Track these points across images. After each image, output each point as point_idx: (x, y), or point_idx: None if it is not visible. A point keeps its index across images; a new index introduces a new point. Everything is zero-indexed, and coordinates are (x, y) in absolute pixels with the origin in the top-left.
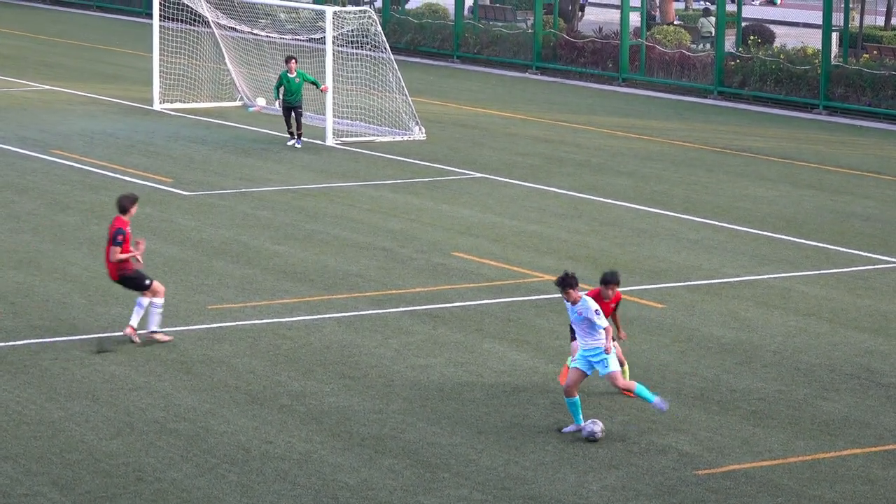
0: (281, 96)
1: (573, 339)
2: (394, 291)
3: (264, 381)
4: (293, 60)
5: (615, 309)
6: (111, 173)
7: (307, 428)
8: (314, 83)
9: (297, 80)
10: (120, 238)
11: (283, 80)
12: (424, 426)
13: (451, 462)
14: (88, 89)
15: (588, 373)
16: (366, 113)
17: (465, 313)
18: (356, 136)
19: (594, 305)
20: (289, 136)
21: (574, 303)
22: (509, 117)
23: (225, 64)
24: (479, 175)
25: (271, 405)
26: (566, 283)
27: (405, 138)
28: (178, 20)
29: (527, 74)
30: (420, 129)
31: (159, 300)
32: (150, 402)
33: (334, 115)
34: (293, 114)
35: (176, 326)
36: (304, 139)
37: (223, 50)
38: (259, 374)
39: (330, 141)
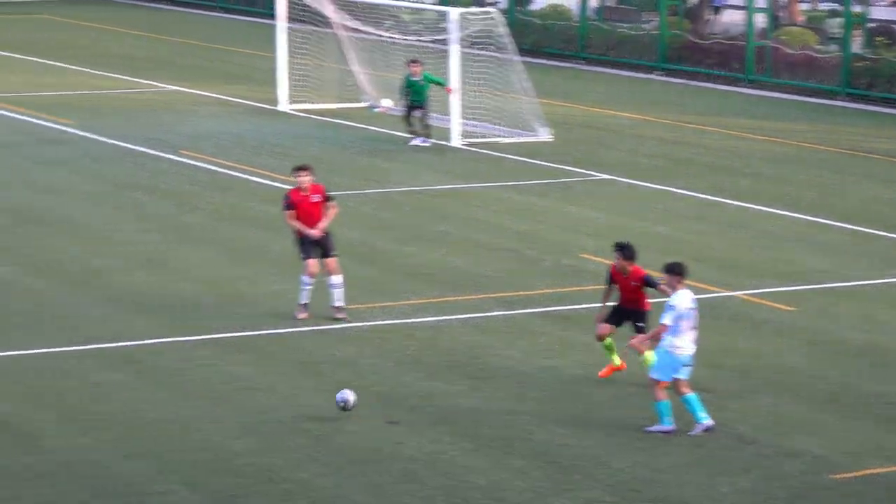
0: (406, 97)
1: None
2: (522, 293)
3: (391, 381)
4: (416, 63)
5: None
6: (239, 174)
7: (436, 429)
8: (440, 83)
9: (422, 82)
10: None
11: (407, 84)
12: (554, 427)
13: (582, 463)
14: (214, 90)
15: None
16: (491, 114)
17: (593, 315)
18: (482, 137)
19: (674, 301)
20: (410, 135)
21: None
22: (634, 119)
23: (350, 65)
24: (605, 176)
25: (400, 406)
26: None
27: (531, 139)
28: (302, 21)
29: (652, 76)
30: (546, 130)
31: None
32: (278, 402)
33: (460, 117)
34: (418, 114)
35: (302, 327)
36: (430, 140)
37: (348, 51)
38: (386, 375)
39: (456, 142)
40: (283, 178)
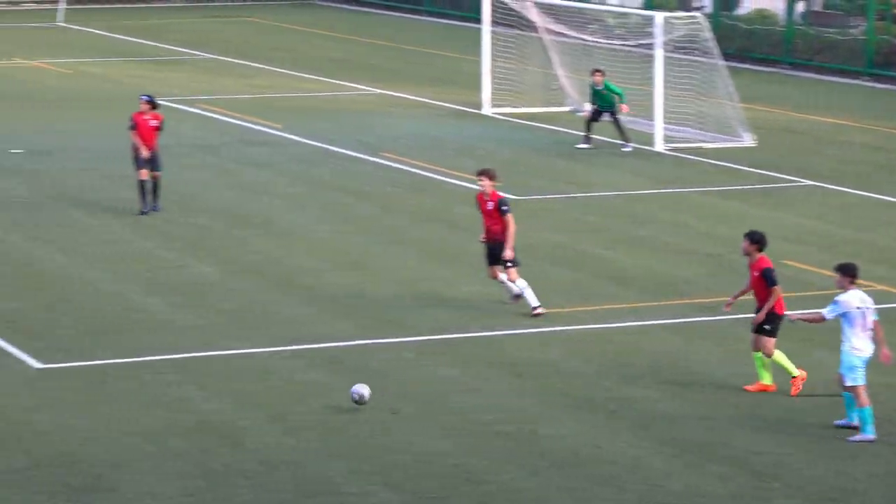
0: (593, 104)
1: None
2: (723, 298)
3: (593, 385)
4: (599, 73)
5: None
6: (440, 176)
7: (635, 433)
8: (619, 94)
9: (604, 91)
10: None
11: (592, 92)
12: (753, 434)
13: (780, 471)
14: (417, 93)
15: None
16: (695, 119)
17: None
18: (685, 141)
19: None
20: (584, 140)
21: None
22: (840, 124)
23: (554, 69)
24: (809, 182)
25: (600, 410)
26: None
27: (734, 144)
28: (507, 25)
29: (859, 81)
30: (750, 135)
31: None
32: (479, 403)
33: (663, 121)
34: (608, 119)
35: (505, 330)
36: (634, 145)
37: (552, 55)
38: (587, 379)
39: (659, 146)
40: None
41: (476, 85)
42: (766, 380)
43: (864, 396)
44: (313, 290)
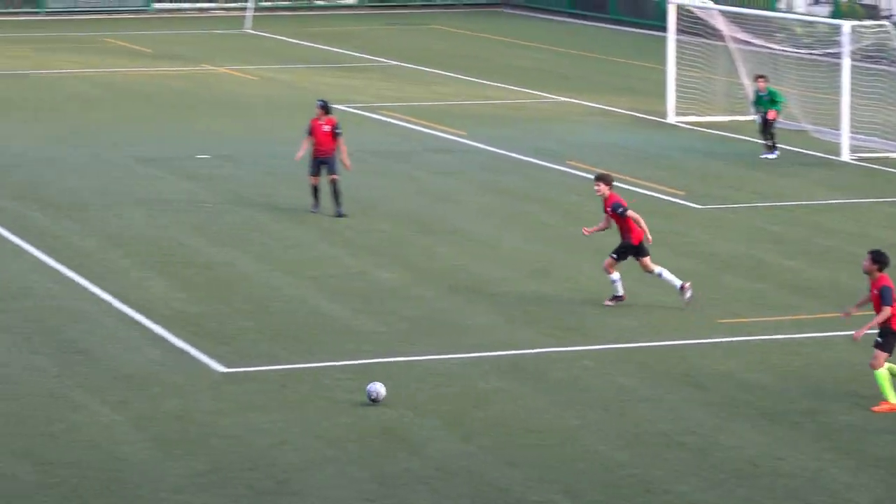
0: (758, 111)
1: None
2: None
3: (774, 396)
4: (762, 79)
5: None
6: (623, 185)
7: (818, 445)
8: (780, 101)
9: (767, 97)
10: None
11: (756, 99)
12: None
13: None
14: (603, 101)
15: None
16: (883, 128)
17: None
18: (873, 151)
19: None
20: (767, 149)
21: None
22: None
23: (740, 77)
24: None
25: (781, 421)
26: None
27: None
28: (692, 33)
29: None
30: None
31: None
32: (659, 414)
33: (850, 131)
34: (765, 126)
35: (686, 340)
36: (818, 154)
37: (738, 63)
38: (769, 390)
39: (845, 156)
40: (668, 189)
41: (661, 93)
42: (893, 398)
43: None
44: (496, 297)
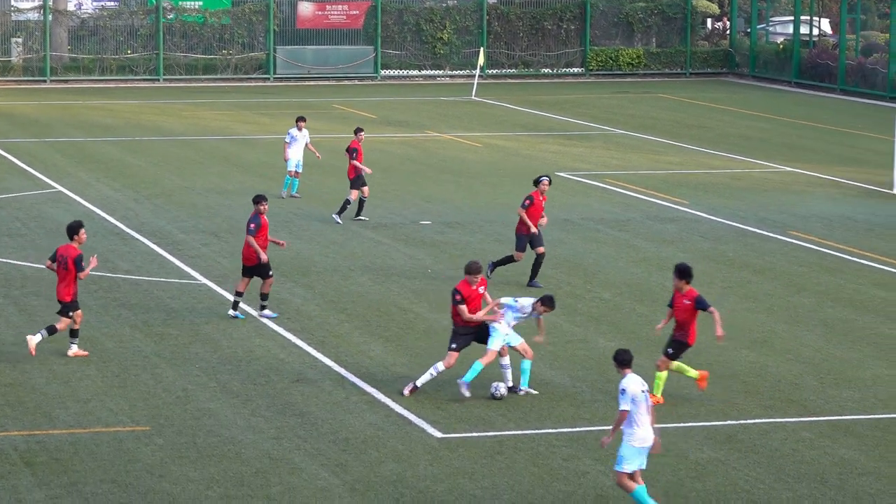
0: None
1: None
2: None
3: None
4: None
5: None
6: (848, 256)
7: None
8: None
9: None
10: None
11: None
12: None
13: None
14: (829, 172)
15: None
16: None
17: None
18: None
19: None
20: None
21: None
22: None
23: None
24: None
25: None
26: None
27: None
28: None
29: None
30: None
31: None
32: (879, 487)
33: None
34: None
35: None
36: None
37: None
38: None
39: None
40: (893, 261)
41: (888, 164)
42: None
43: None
44: (714, 366)
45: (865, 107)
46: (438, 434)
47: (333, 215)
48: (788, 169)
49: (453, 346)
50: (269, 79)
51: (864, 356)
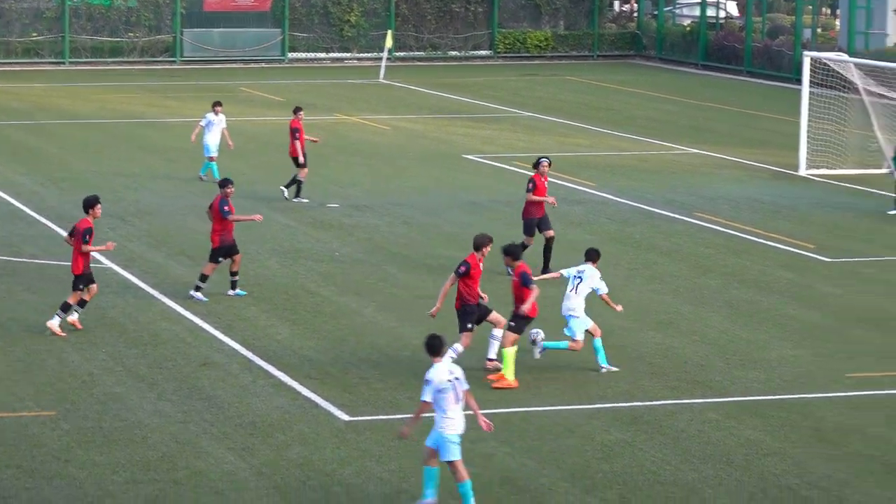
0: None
1: None
2: None
3: None
4: None
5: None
6: (754, 238)
7: None
8: None
9: None
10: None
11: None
12: None
13: None
14: (736, 154)
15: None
16: None
17: None
18: None
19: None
20: (895, 204)
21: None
22: None
23: (873, 130)
24: None
25: None
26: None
27: None
28: (826, 86)
29: None
30: None
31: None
32: (784, 468)
33: None
34: None
35: (812, 393)
36: None
37: (872, 116)
38: (894, 444)
39: None
40: (799, 242)
41: (794, 146)
42: (512, 376)
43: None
44: (621, 348)
45: (772, 89)
46: (345, 417)
47: (294, 199)
48: (695, 151)
49: (469, 326)
50: (175, 62)
51: (769, 337)
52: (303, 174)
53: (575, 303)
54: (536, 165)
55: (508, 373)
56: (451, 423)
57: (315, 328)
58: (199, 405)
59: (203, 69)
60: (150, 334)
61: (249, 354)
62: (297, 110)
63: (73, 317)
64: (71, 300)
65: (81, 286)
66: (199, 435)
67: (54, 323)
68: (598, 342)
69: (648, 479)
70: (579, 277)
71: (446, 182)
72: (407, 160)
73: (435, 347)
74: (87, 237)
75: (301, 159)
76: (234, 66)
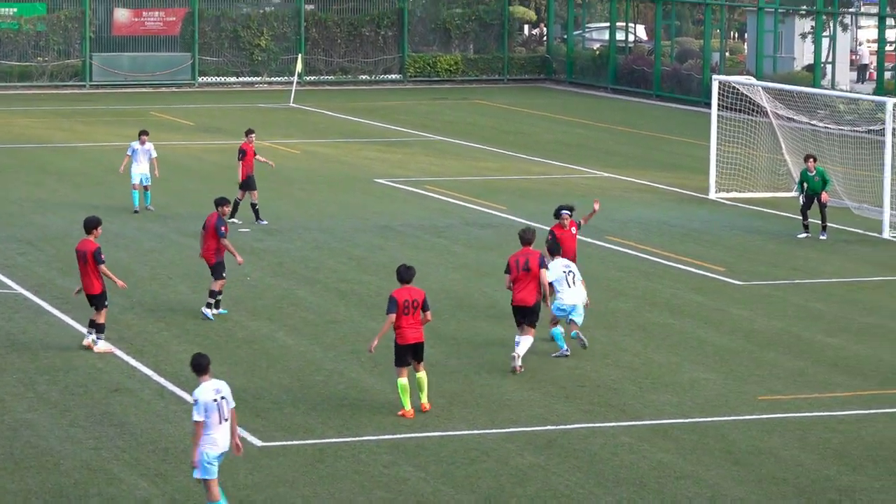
0: (804, 190)
1: None
2: None
3: (813, 475)
4: (812, 160)
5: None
6: (665, 261)
7: None
8: (827, 182)
9: (816, 178)
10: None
11: (803, 178)
12: None
13: None
14: (646, 177)
15: None
16: None
17: None
18: None
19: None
20: (803, 228)
21: None
22: None
23: (782, 154)
24: None
25: (819, 499)
26: None
27: None
28: (735, 109)
29: None
30: None
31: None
32: (697, 491)
33: (891, 208)
34: (819, 207)
35: (724, 416)
36: (860, 231)
37: (780, 140)
38: (808, 468)
39: (887, 234)
40: (709, 265)
41: (704, 169)
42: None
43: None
44: (532, 373)
45: (681, 112)
46: (258, 443)
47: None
48: (606, 174)
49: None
50: (85, 86)
51: (681, 360)
52: (241, 195)
53: (577, 293)
54: (557, 216)
55: (405, 401)
56: (214, 441)
57: (227, 353)
58: (111, 431)
59: (113, 93)
60: (63, 360)
61: (162, 380)
62: (248, 132)
63: (90, 339)
64: (101, 319)
65: (106, 303)
66: (112, 461)
67: (101, 346)
68: (557, 331)
69: (562, 502)
70: (570, 271)
71: (357, 206)
72: (316, 184)
73: (202, 366)
74: (101, 256)
75: (240, 180)
76: (143, 90)
